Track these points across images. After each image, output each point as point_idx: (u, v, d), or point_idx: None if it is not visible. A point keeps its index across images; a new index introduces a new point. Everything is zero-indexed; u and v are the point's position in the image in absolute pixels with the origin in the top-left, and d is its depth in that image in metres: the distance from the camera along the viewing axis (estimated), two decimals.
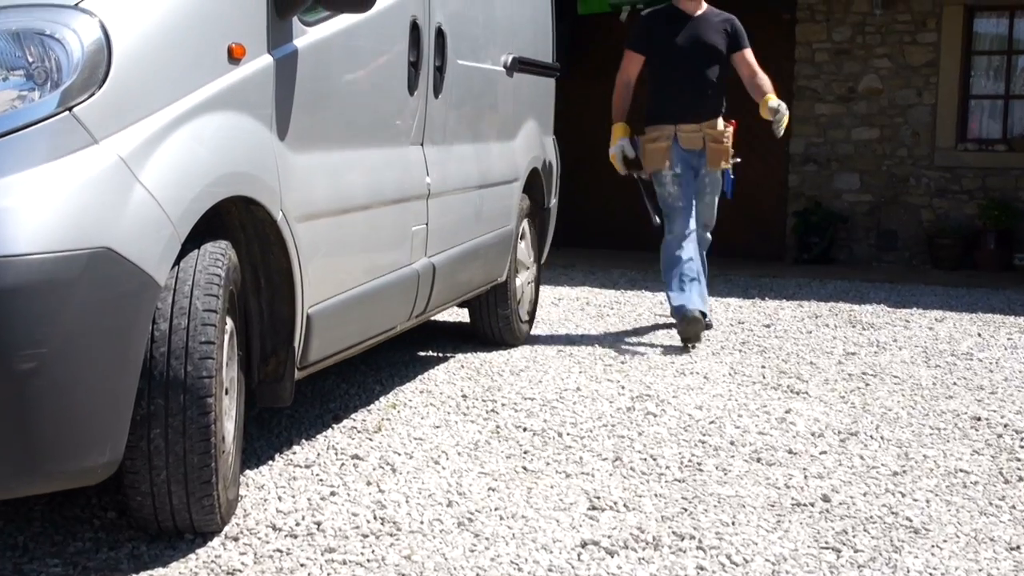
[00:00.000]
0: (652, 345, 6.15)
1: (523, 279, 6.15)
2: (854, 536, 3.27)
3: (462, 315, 6.47)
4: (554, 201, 6.69)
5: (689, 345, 6.04)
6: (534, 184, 6.20)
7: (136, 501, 2.94)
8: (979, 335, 6.70)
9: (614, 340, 6.28)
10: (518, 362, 5.58)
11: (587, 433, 4.29)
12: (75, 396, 2.56)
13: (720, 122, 6.22)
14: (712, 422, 4.49)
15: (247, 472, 3.67)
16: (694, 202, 6.22)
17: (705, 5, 6.30)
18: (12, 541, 3.07)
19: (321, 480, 3.64)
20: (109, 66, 2.67)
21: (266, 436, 4.12)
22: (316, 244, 3.54)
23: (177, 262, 2.88)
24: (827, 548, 3.17)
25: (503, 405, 4.68)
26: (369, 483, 3.62)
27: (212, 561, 2.95)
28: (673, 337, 6.25)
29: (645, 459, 3.97)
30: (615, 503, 3.48)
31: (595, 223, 10.98)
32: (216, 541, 3.07)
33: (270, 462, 3.81)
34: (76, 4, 2.67)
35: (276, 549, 3.05)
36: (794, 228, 10.62)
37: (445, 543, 3.12)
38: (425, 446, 4.06)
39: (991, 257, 10.00)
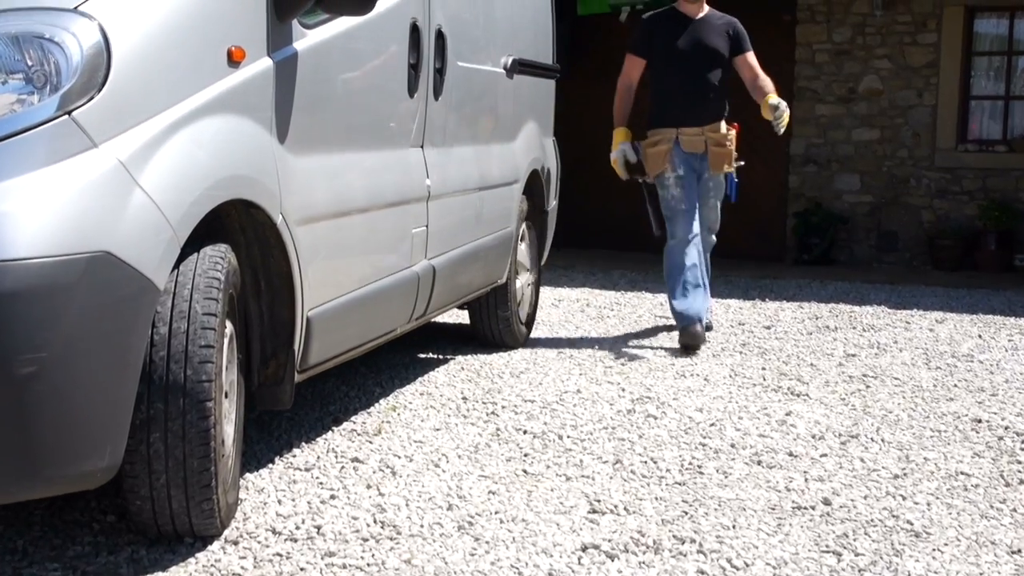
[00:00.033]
0: (652, 347, 6.15)
1: (523, 281, 6.14)
2: (855, 540, 3.26)
3: (462, 316, 6.46)
4: (554, 203, 6.69)
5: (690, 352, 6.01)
6: (534, 186, 6.20)
7: (136, 505, 2.94)
8: (980, 337, 6.70)
9: (614, 342, 6.28)
10: (518, 364, 5.57)
11: (587, 436, 4.28)
12: (75, 400, 2.56)
13: (723, 125, 6.17)
14: (712, 424, 4.48)
15: (247, 475, 3.66)
16: (697, 206, 6.17)
17: (707, 7, 6.27)
18: (11, 545, 3.07)
19: (321, 483, 3.63)
20: (108, 70, 2.66)
21: (266, 439, 4.12)
22: (316, 247, 3.54)
23: (177, 266, 2.88)
24: (828, 552, 3.16)
25: (503, 407, 4.67)
26: (369, 486, 3.61)
27: (212, 565, 2.95)
28: (673, 338, 6.25)
29: (645, 462, 3.96)
30: (615, 506, 3.48)
31: (595, 224, 10.97)
32: (216, 545, 3.07)
33: (270, 465, 3.81)
34: (75, 8, 2.66)
35: (276, 553, 3.04)
36: (794, 229, 10.62)
37: (445, 547, 3.12)
38: (425, 449, 4.05)
39: (992, 258, 9.99)
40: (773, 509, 3.51)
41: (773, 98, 6.10)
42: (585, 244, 10.86)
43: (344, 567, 2.97)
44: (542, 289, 7.19)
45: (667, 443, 4.21)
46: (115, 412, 2.67)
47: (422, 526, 3.27)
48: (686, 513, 3.45)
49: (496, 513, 3.40)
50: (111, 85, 2.66)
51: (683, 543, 3.19)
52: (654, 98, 6.23)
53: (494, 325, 5.92)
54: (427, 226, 4.51)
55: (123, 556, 3.00)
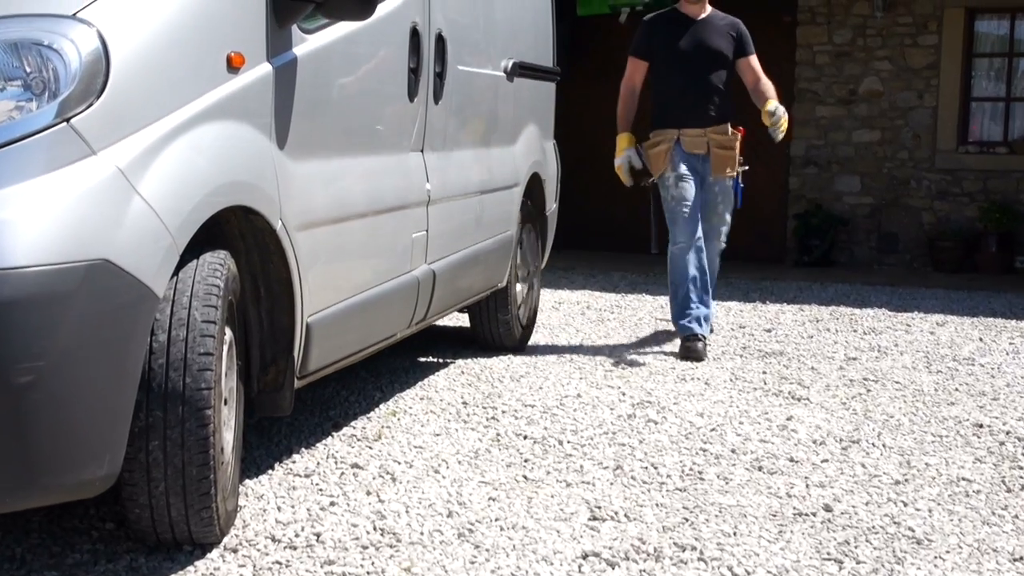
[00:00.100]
0: (653, 350, 6.14)
1: (523, 285, 6.13)
2: (856, 547, 3.25)
3: (462, 319, 6.45)
4: (554, 206, 6.68)
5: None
6: (534, 189, 6.19)
7: (134, 513, 2.92)
8: (980, 340, 6.69)
9: (614, 345, 6.27)
10: (518, 368, 5.56)
11: (588, 441, 4.27)
12: (73, 409, 2.54)
13: (728, 128, 6.10)
14: (713, 429, 4.47)
15: (246, 482, 3.65)
16: (704, 211, 6.08)
17: (709, 8, 6.22)
18: (10, 553, 3.06)
19: (321, 490, 3.62)
20: (107, 76, 2.65)
21: (265, 445, 4.11)
22: (316, 253, 3.53)
23: (176, 272, 2.86)
24: (829, 559, 3.15)
25: (503, 412, 4.66)
26: (369, 493, 3.60)
27: (211, 573, 2.94)
28: (674, 341, 6.23)
29: (646, 467, 3.95)
30: (616, 513, 3.47)
31: (595, 225, 10.96)
32: (215, 553, 3.06)
33: (269, 471, 3.80)
34: (74, 14, 2.64)
35: (275, 561, 3.03)
36: (795, 231, 10.61)
37: (445, 554, 3.11)
38: (425, 454, 4.04)
39: (992, 260, 9.99)
40: (774, 516, 3.50)
41: (771, 104, 6.05)
42: (585, 246, 10.85)
43: (344, 575, 2.96)
44: (542, 291, 7.18)
45: (668, 448, 4.20)
46: (114, 420, 2.66)
47: (422, 533, 3.25)
48: (687, 520, 3.44)
49: (496, 520, 3.39)
50: (110, 92, 2.65)
51: (684, 551, 3.18)
52: (656, 100, 6.19)
53: (494, 328, 5.91)
54: (427, 230, 4.50)
55: (122, 564, 2.98)
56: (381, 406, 4.73)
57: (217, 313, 2.91)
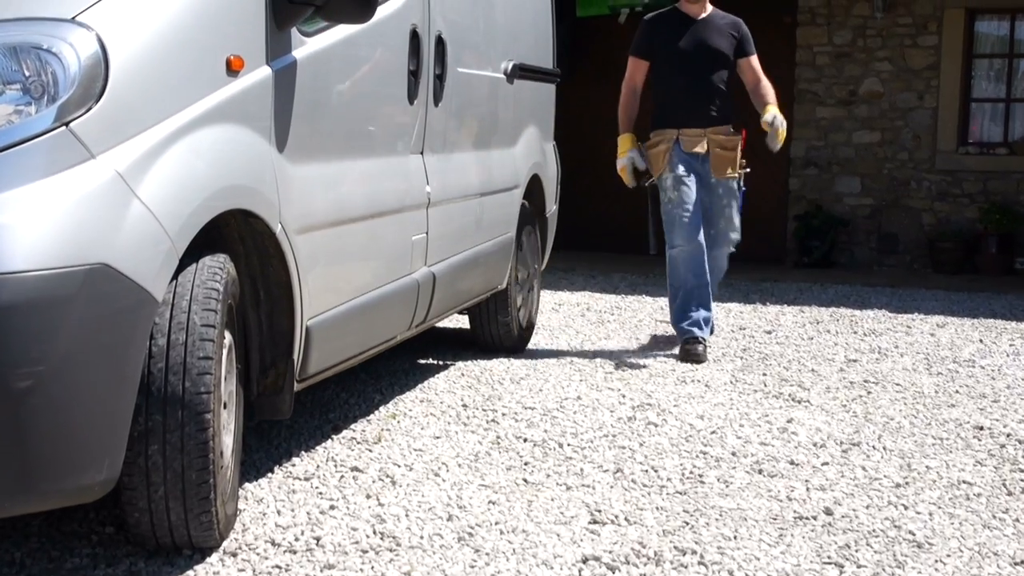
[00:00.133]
0: (653, 352, 6.13)
1: (523, 287, 6.12)
2: (857, 551, 3.24)
3: (462, 321, 6.45)
4: (554, 207, 6.67)
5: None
6: (534, 191, 6.18)
7: (134, 517, 2.92)
8: (981, 341, 6.68)
9: (615, 347, 6.26)
10: (518, 370, 5.55)
11: (588, 444, 4.27)
12: (72, 414, 2.54)
13: (728, 128, 6.06)
14: (713, 432, 4.47)
15: (246, 485, 3.64)
16: (710, 214, 6.04)
17: (710, 7, 6.19)
18: (9, 557, 3.05)
19: (320, 493, 3.61)
20: (106, 80, 2.64)
21: (265, 448, 4.10)
22: (315, 256, 3.52)
23: (175, 276, 2.86)
24: (830, 563, 3.15)
25: (503, 415, 4.65)
26: (368, 496, 3.59)
27: None
28: (674, 343, 6.22)
29: (646, 471, 3.95)
30: (616, 516, 3.46)
31: (596, 226, 10.96)
32: (214, 557, 3.05)
33: (269, 475, 3.79)
34: (73, 18, 2.64)
35: (275, 565, 3.02)
36: (795, 232, 10.61)
37: (445, 559, 3.10)
38: (425, 457, 4.04)
39: (992, 261, 9.99)
40: (775, 519, 3.49)
41: (769, 115, 6.00)
42: (585, 247, 10.85)
43: None
44: (542, 293, 7.17)
45: (668, 451, 4.19)
46: (113, 424, 2.65)
47: (422, 537, 3.25)
48: (687, 523, 3.43)
49: (496, 524, 3.38)
50: (109, 96, 2.64)
51: (684, 554, 3.17)
52: (657, 100, 6.15)
53: (494, 330, 5.90)
54: (427, 233, 4.49)
55: (121, 568, 2.98)
56: (381, 409, 4.73)
57: (216, 317, 2.91)
